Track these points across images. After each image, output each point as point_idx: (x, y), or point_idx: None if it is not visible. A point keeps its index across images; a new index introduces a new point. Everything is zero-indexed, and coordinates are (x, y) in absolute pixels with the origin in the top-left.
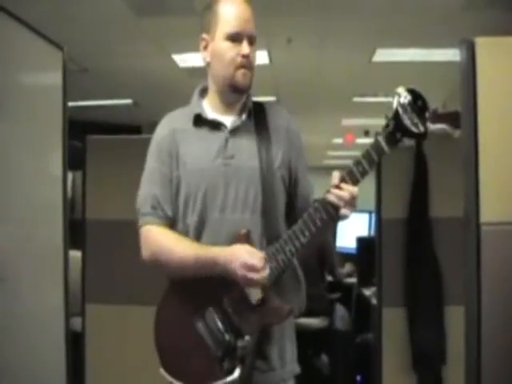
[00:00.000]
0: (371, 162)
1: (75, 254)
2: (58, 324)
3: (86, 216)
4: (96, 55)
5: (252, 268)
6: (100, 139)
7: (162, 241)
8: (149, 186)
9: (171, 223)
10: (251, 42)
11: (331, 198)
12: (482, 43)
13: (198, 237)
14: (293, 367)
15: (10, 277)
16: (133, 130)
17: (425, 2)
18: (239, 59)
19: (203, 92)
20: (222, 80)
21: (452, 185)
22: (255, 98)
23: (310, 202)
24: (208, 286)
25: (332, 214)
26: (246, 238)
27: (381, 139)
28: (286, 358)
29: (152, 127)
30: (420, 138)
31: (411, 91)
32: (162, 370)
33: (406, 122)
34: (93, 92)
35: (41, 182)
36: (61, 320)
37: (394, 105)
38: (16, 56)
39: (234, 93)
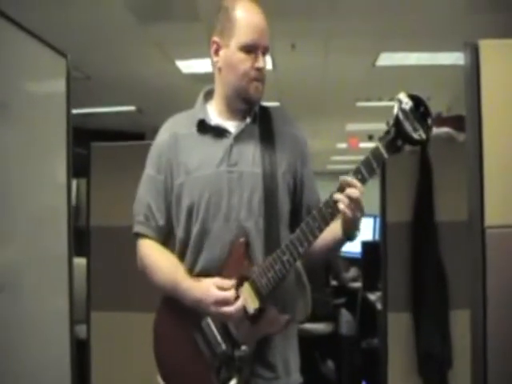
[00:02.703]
0: (371, 171)
1: (80, 262)
2: (63, 332)
3: (91, 223)
4: (99, 62)
5: (225, 302)
6: (104, 146)
7: (147, 259)
8: (144, 194)
9: (164, 232)
10: (265, 53)
11: (337, 196)
12: (487, 46)
13: (200, 245)
14: (297, 376)
15: (15, 285)
16: (137, 136)
17: (429, 5)
18: (253, 73)
19: (208, 95)
20: (234, 90)
21: (457, 189)
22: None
23: None
24: None
25: (329, 222)
26: (245, 247)
27: (381, 146)
28: (290, 367)
29: (155, 134)
30: (422, 144)
31: (413, 97)
32: (159, 380)
33: (408, 128)
34: (96, 99)
35: (45, 190)
36: (66, 327)
37: (395, 111)
38: (20, 63)
39: (246, 104)
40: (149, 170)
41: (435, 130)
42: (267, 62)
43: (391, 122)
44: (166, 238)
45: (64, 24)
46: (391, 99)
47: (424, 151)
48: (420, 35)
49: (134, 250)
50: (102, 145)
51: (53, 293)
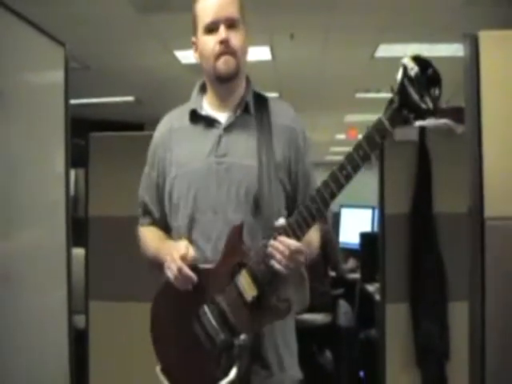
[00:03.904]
0: (374, 146)
1: (78, 252)
2: (62, 322)
3: (89, 213)
4: (98, 52)
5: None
6: (103, 136)
7: (144, 239)
8: (141, 191)
9: (161, 224)
10: (231, 25)
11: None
12: (486, 37)
13: (188, 237)
14: (293, 373)
15: (14, 275)
16: (135, 127)
17: None
18: (217, 47)
19: (203, 88)
20: (209, 74)
21: (455, 180)
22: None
23: None
24: (200, 285)
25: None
26: (240, 233)
27: (384, 118)
28: (284, 363)
29: (155, 124)
30: (428, 115)
31: (419, 60)
32: (158, 371)
33: (414, 96)
34: (94, 89)
35: (43, 180)
36: (64, 318)
37: (399, 77)
38: (18, 52)
39: (221, 83)
40: (146, 166)
41: (434, 122)
42: (266, 54)
43: (395, 89)
44: (163, 227)
45: (64, 14)
46: (391, 90)
47: (422, 142)
48: (419, 27)
49: (133, 240)
50: (100, 135)
51: (51, 283)
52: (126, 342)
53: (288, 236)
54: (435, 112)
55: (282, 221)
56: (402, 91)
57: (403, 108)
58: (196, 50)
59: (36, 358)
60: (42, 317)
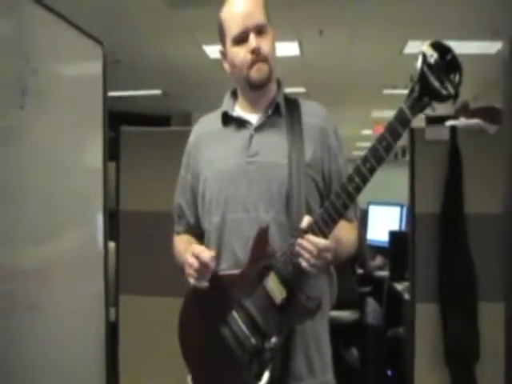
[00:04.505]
0: (396, 136)
1: (109, 245)
2: (99, 315)
3: (120, 207)
4: (129, 46)
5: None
6: (134, 131)
7: (175, 251)
8: (177, 195)
9: (195, 228)
10: (260, 31)
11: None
12: None
13: (220, 237)
14: (324, 378)
15: (54, 269)
16: (162, 120)
17: None
18: (249, 57)
19: (234, 94)
20: (241, 83)
21: (486, 180)
22: (285, 90)
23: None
24: (227, 290)
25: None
26: (267, 235)
27: (405, 107)
28: (314, 368)
29: (181, 118)
30: (450, 100)
31: (438, 46)
32: (189, 381)
33: (434, 83)
34: (123, 82)
35: (81, 174)
36: (101, 311)
37: (419, 65)
38: (59, 52)
39: (255, 90)
40: (181, 170)
41: (465, 121)
42: (295, 49)
43: (415, 78)
44: (198, 233)
45: (95, 8)
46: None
47: (454, 142)
48: (449, 23)
49: (163, 235)
50: (132, 129)
51: (89, 277)
52: (153, 336)
53: (315, 234)
54: (456, 97)
55: (307, 219)
56: (422, 79)
57: (424, 96)
58: (225, 59)
59: (76, 348)
60: (81, 309)
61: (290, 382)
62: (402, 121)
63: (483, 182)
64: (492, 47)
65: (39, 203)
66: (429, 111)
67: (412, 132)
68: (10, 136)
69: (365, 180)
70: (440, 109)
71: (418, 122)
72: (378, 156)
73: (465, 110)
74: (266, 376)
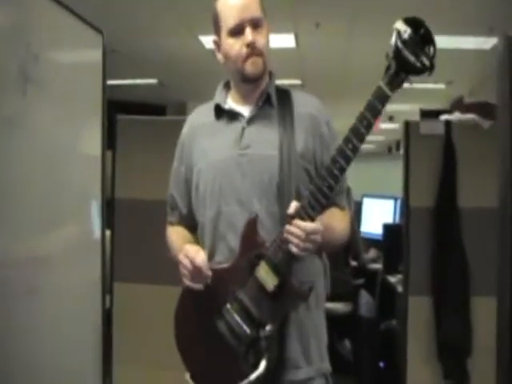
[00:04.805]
0: (376, 113)
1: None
2: (95, 301)
3: (115, 195)
4: (125, 36)
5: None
6: (131, 119)
7: (168, 241)
8: (170, 186)
9: (188, 219)
10: (256, 25)
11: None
12: None
13: (214, 229)
14: (321, 365)
15: (52, 256)
16: (157, 109)
17: None
18: (244, 50)
19: (227, 85)
20: (235, 75)
21: (480, 175)
22: (280, 82)
23: (337, 200)
24: (220, 284)
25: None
26: (255, 225)
27: (383, 84)
28: (311, 356)
29: (177, 107)
30: (426, 72)
31: (410, 21)
32: (187, 378)
33: (409, 58)
34: (118, 71)
35: (80, 161)
36: (98, 298)
37: (393, 41)
38: (58, 39)
39: (249, 83)
40: (174, 162)
41: (460, 116)
42: (291, 41)
43: (391, 54)
44: (191, 224)
45: None
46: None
47: (448, 136)
48: (445, 18)
49: (158, 223)
50: (128, 118)
51: (86, 264)
52: (148, 323)
53: (302, 219)
54: (432, 68)
55: (294, 204)
56: (397, 55)
57: (401, 71)
58: (219, 50)
59: (72, 333)
60: (78, 297)
61: (286, 371)
62: (380, 98)
63: (477, 176)
64: (487, 43)
65: (38, 190)
66: (407, 85)
67: (407, 126)
68: (13, 122)
69: (348, 160)
70: (435, 103)
71: (413, 115)
72: (359, 134)
73: (460, 105)
74: (262, 365)
